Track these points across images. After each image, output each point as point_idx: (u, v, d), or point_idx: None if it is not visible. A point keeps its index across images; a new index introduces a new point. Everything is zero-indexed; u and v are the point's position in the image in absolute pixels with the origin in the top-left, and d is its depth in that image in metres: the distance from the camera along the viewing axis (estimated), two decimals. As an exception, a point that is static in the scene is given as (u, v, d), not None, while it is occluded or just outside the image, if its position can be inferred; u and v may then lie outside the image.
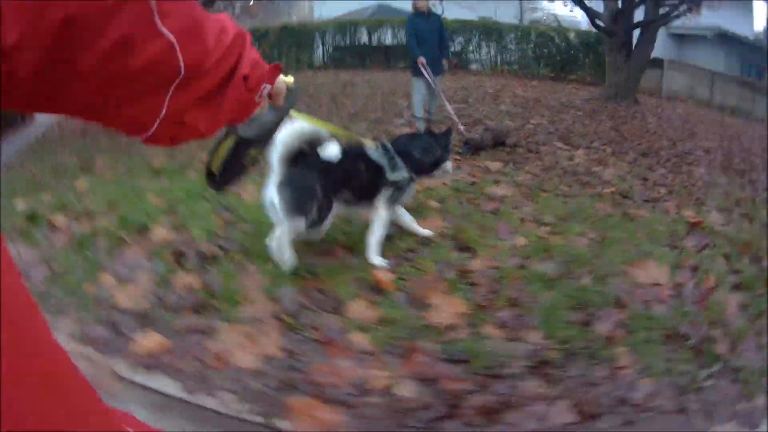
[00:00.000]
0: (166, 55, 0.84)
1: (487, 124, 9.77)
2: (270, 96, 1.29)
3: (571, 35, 21.42)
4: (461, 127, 8.60)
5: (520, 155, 8.33)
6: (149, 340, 3.28)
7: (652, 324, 3.60)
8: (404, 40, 22.71)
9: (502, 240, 4.79)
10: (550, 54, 21.96)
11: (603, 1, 15.46)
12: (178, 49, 0.85)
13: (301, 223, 3.93)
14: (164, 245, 4.45)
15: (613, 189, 6.68)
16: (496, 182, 6.66)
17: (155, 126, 0.94)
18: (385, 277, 4.00)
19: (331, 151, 4.06)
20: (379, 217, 4.37)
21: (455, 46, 23.03)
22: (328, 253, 4.35)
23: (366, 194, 4.34)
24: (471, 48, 23.35)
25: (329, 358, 3.17)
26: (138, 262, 4.20)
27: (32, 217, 5.21)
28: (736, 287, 4.30)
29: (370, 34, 24.77)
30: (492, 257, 4.42)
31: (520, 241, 4.78)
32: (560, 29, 22.35)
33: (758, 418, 2.91)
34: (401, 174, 4.36)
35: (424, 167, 4.63)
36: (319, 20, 27.43)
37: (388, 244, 4.43)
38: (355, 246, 4.42)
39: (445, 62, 10.15)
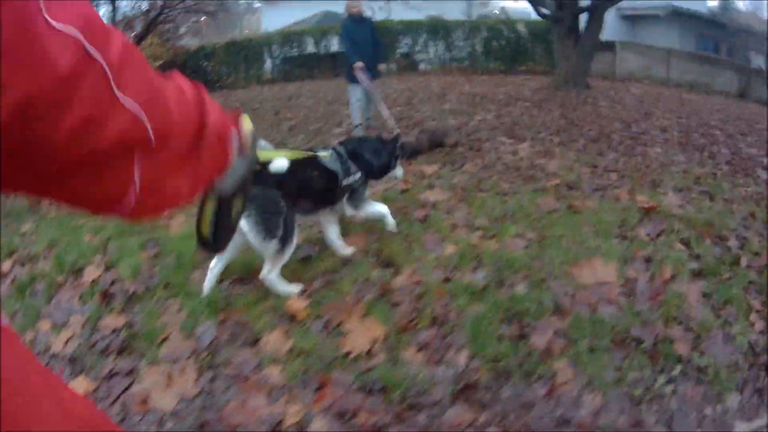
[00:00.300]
0: (134, 127, 0.78)
1: (426, 126, 9.29)
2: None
3: (520, 26, 21.32)
4: (396, 131, 8.11)
5: (459, 155, 7.88)
6: (77, 385, 3.19)
7: (598, 330, 3.32)
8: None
9: (428, 251, 4.45)
10: (500, 47, 21.81)
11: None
12: (145, 119, 0.79)
13: (276, 245, 3.86)
14: (94, 286, 4.37)
15: (557, 181, 6.27)
16: (430, 187, 6.24)
17: (131, 200, 0.87)
18: (298, 304, 3.78)
19: (279, 163, 3.92)
20: (334, 222, 4.54)
21: (402, 47, 22.85)
22: (246, 282, 4.15)
23: (324, 201, 4.35)
24: (418, 48, 23.24)
25: (244, 395, 3.01)
26: (71, 305, 4.15)
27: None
28: (697, 274, 4.03)
29: (316, 43, 24.75)
30: (416, 272, 4.11)
31: (449, 250, 4.43)
32: (509, 21, 22.26)
33: (730, 422, 2.71)
34: (354, 177, 4.39)
35: (373, 170, 4.65)
36: (265, 33, 27.46)
37: (304, 266, 4.31)
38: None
39: (380, 66, 10.09)
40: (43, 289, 4.43)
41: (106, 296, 4.15)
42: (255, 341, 3.47)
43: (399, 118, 10.82)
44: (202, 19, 26.60)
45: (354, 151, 4.50)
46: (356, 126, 9.96)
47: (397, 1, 22.54)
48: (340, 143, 4.68)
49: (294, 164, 3.98)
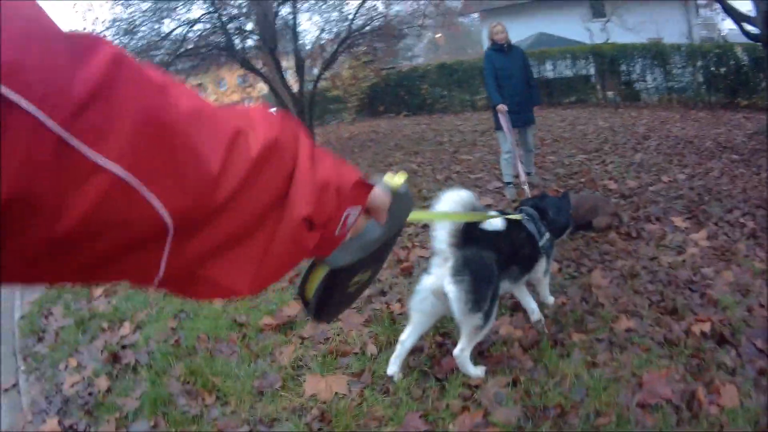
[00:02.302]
0: (134, 209, 0.55)
1: (574, 198, 6.90)
2: (367, 211, 0.91)
3: (738, 51, 17.53)
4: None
5: (596, 246, 6.04)
6: (49, 423, 3.85)
7: None
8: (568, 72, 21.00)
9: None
10: (722, 76, 18.16)
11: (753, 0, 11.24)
12: (152, 197, 0.55)
13: (480, 321, 3.53)
14: (109, 345, 4.94)
15: (708, 324, 4.23)
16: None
17: (157, 286, 0.65)
18: None
19: (496, 221, 3.70)
20: (543, 285, 4.45)
21: (624, 75, 20.11)
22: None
23: (527, 268, 4.11)
24: (635, 75, 20.27)
25: None
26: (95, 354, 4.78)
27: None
28: None
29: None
30: None
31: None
32: (726, 46, 18.66)
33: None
34: (546, 238, 4.16)
35: (558, 230, 4.43)
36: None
37: None
38: None
39: (534, 108, 8.38)
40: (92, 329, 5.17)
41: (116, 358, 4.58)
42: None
43: (566, 175, 9.01)
44: (438, 36, 25.79)
45: (541, 208, 4.27)
46: (506, 185, 8.32)
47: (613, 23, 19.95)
48: (523, 203, 4.57)
49: (508, 225, 3.74)
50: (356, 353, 4.20)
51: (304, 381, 3.84)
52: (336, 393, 3.69)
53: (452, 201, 3.43)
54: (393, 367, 3.77)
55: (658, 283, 5.01)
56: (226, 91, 29.87)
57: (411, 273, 5.65)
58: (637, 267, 5.32)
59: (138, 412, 3.78)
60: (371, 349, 4.23)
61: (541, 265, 4.23)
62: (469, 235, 3.53)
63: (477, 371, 3.69)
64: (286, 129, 0.70)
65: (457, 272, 3.46)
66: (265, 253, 0.70)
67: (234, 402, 3.79)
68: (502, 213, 4.04)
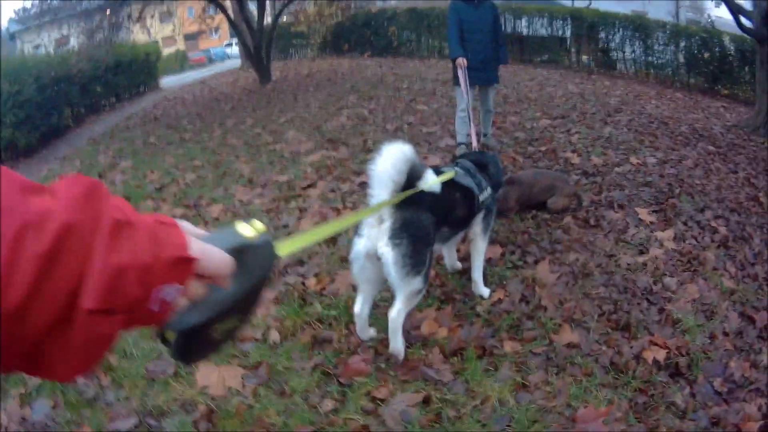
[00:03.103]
0: None
1: (529, 173, 6.14)
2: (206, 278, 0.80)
3: (726, 40, 16.89)
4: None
5: (549, 232, 5.25)
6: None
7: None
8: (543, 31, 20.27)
9: None
10: (704, 61, 17.46)
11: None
12: None
13: (419, 284, 3.35)
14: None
15: (666, 351, 3.65)
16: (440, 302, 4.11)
17: None
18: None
19: (433, 181, 3.36)
20: (479, 249, 4.10)
21: (599, 43, 19.42)
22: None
23: (460, 226, 3.92)
24: (612, 45, 19.51)
25: None
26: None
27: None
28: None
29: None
30: None
31: None
32: (713, 32, 17.87)
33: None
34: (486, 193, 3.93)
35: (498, 186, 4.26)
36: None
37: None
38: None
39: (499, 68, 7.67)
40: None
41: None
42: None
43: (527, 140, 8.29)
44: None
45: (479, 162, 4.10)
46: (458, 145, 7.65)
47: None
48: (457, 158, 4.40)
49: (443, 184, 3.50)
50: (257, 339, 3.81)
51: (197, 370, 3.45)
52: (229, 388, 3.33)
53: (392, 156, 3.13)
54: (364, 335, 3.65)
55: (613, 288, 4.31)
56: (195, 19, 29.38)
57: (336, 241, 4.96)
58: (591, 264, 4.60)
59: (40, 389, 3.52)
60: (274, 335, 3.80)
61: (479, 221, 3.99)
62: (411, 199, 3.17)
63: (400, 344, 3.46)
64: (85, 205, 0.62)
65: (395, 235, 3.24)
66: (69, 345, 0.62)
67: (128, 386, 3.48)
68: (437, 170, 3.71)
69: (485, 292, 4.11)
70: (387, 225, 3.25)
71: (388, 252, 3.23)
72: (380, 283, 3.56)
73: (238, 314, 0.91)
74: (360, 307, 3.54)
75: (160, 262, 0.68)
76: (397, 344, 3.43)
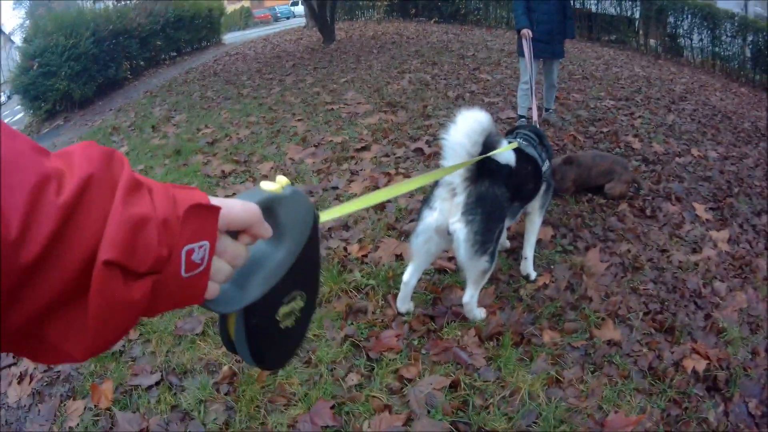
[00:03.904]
0: None
1: (588, 155, 5.69)
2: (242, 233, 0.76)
3: None
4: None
5: (602, 217, 4.98)
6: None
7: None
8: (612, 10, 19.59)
9: None
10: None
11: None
12: None
13: (486, 264, 3.13)
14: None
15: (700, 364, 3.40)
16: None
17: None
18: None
19: (508, 154, 3.09)
20: (534, 225, 3.89)
21: (668, 28, 18.72)
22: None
23: (524, 202, 3.64)
24: (680, 31, 18.69)
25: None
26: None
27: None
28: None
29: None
30: None
31: None
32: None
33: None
34: (547, 164, 3.74)
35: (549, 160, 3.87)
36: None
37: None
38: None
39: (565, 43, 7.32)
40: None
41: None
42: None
43: (589, 120, 7.92)
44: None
45: (539, 133, 3.88)
46: (519, 118, 7.35)
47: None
48: (515, 129, 4.07)
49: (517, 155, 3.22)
50: (290, 303, 3.54)
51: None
52: None
53: (469, 124, 2.88)
54: (403, 306, 3.49)
55: (662, 285, 4.05)
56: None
57: (384, 207, 4.77)
58: (642, 258, 4.34)
59: None
60: None
61: (539, 195, 3.77)
62: (483, 168, 3.02)
63: (482, 314, 3.43)
64: (104, 161, 0.60)
65: (469, 210, 3.02)
66: (86, 311, 0.57)
67: (155, 342, 3.42)
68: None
69: (533, 273, 3.90)
70: (461, 199, 3.05)
71: (460, 228, 3.04)
72: (437, 256, 3.48)
73: (300, 288, 0.85)
74: (409, 276, 3.38)
75: (179, 215, 0.63)
76: (477, 316, 3.38)
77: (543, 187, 3.74)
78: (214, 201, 0.69)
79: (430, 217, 3.13)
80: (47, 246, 0.53)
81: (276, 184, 0.80)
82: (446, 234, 3.11)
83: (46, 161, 0.56)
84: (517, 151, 3.32)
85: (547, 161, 3.71)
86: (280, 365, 1.03)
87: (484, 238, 3.04)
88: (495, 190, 3.09)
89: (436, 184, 3.18)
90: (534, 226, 3.87)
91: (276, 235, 0.79)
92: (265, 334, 0.83)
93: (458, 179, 3.03)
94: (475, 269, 3.13)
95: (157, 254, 0.60)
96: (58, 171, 0.56)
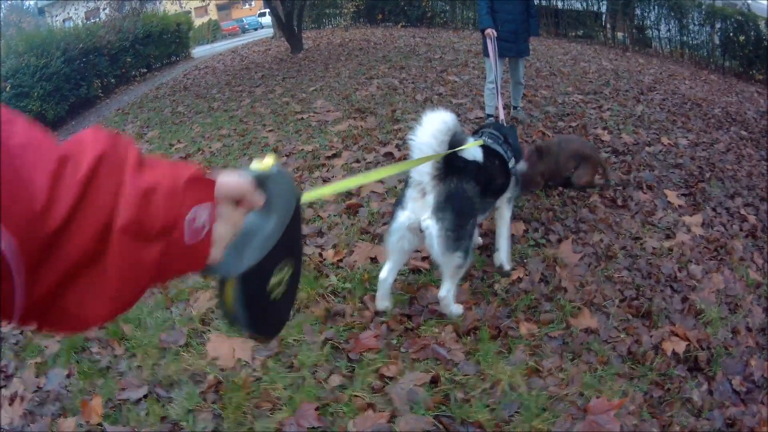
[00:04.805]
0: None
1: (556, 141, 5.71)
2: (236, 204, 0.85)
3: (762, 24, 16.07)
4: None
5: (573, 209, 5.01)
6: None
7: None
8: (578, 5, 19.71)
9: None
10: (740, 45, 16.69)
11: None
12: None
13: (461, 259, 3.16)
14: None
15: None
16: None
17: (18, 316, 0.62)
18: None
19: (475, 150, 3.22)
20: (505, 218, 3.89)
21: (635, 20, 18.85)
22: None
23: (494, 197, 3.69)
24: (648, 23, 18.91)
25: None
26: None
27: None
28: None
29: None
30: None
31: None
32: (749, 15, 17.03)
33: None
34: (512, 162, 3.78)
35: (518, 156, 3.98)
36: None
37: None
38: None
39: (530, 39, 7.37)
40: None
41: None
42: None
43: (557, 115, 8.03)
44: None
45: (503, 132, 3.90)
46: (487, 117, 7.41)
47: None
48: (480, 128, 4.10)
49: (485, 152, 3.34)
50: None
51: (209, 340, 3.42)
52: (238, 360, 3.25)
53: (435, 124, 2.94)
54: (381, 304, 3.51)
55: (636, 272, 4.09)
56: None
57: (357, 212, 4.78)
58: (615, 247, 4.38)
59: (56, 358, 3.55)
60: None
61: (508, 189, 3.80)
62: (450, 166, 3.08)
63: (459, 309, 3.43)
64: (112, 142, 0.68)
65: (439, 208, 3.08)
66: (104, 274, 0.65)
67: (140, 356, 3.45)
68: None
69: (507, 264, 3.94)
70: (431, 198, 3.10)
71: (432, 225, 3.09)
72: (411, 253, 3.52)
73: (288, 256, 0.94)
74: (386, 274, 3.42)
75: (181, 184, 0.72)
76: (453, 312, 3.38)
77: (511, 182, 3.77)
78: (210, 174, 0.79)
79: (403, 216, 3.18)
80: (68, 215, 0.61)
81: (264, 164, 0.90)
82: (419, 231, 3.17)
83: (62, 145, 0.64)
84: (483, 147, 3.39)
85: (512, 158, 3.76)
86: (274, 334, 1.11)
87: (456, 234, 3.08)
88: (464, 185, 3.13)
89: (406, 184, 3.25)
90: (504, 220, 3.90)
91: (266, 207, 0.88)
92: (260, 304, 0.91)
93: (427, 178, 3.08)
94: (449, 264, 3.16)
95: (164, 220, 0.69)
96: (74, 151, 0.64)
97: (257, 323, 0.93)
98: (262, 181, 0.88)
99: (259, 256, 0.87)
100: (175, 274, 0.76)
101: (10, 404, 3.31)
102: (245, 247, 0.86)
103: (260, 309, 0.92)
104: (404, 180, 3.46)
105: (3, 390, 3.45)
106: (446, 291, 3.28)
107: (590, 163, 5.29)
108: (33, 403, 3.28)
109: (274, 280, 0.93)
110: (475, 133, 3.98)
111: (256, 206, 0.87)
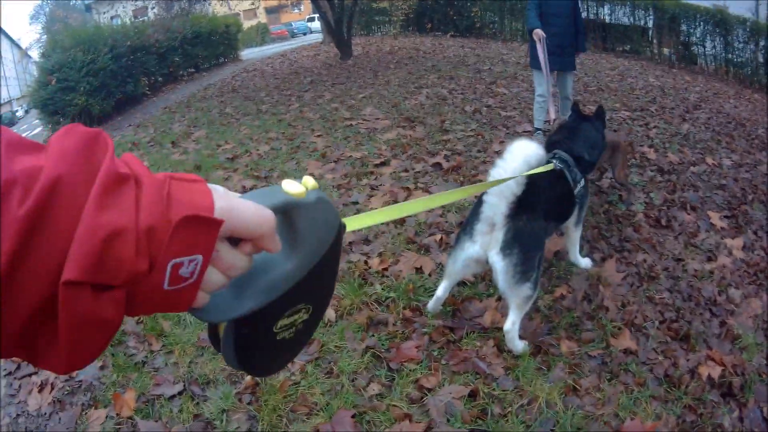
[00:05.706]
0: None
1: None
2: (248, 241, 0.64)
3: None
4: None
5: (617, 228, 4.91)
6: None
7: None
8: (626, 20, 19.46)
9: None
10: None
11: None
12: None
13: (529, 291, 3.11)
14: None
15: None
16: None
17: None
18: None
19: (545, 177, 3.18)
20: (573, 240, 4.04)
21: (680, 36, 18.57)
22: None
23: (562, 221, 3.74)
24: (693, 39, 18.63)
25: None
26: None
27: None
28: None
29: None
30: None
31: None
32: None
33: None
34: (581, 186, 3.68)
35: (592, 168, 4.00)
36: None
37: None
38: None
39: (577, 54, 7.28)
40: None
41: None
42: None
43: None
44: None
45: (576, 154, 3.74)
46: (535, 131, 7.35)
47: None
48: (552, 144, 3.93)
49: (549, 178, 3.31)
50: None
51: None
52: None
53: (521, 155, 2.91)
54: (431, 306, 3.56)
55: (677, 294, 4.08)
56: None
57: (404, 222, 4.82)
58: (657, 267, 4.36)
59: None
60: (330, 313, 3.67)
61: (574, 214, 3.79)
62: (522, 203, 3.05)
63: (523, 347, 3.29)
64: (80, 156, 0.51)
65: (507, 245, 3.06)
66: (57, 329, 0.50)
67: (177, 353, 3.48)
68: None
69: (582, 263, 4.16)
70: (500, 235, 3.08)
71: (498, 261, 3.08)
72: (465, 274, 3.53)
73: (306, 302, 0.74)
74: (443, 291, 3.46)
75: (168, 223, 0.53)
76: (518, 348, 3.27)
77: (577, 207, 3.77)
78: (221, 203, 0.58)
79: (470, 249, 3.18)
80: (8, 267, 0.46)
81: (300, 187, 0.68)
82: (485, 263, 3.19)
83: (19, 161, 0.49)
84: (553, 173, 3.41)
85: (582, 182, 3.71)
86: (270, 373, 0.88)
87: (523, 268, 3.07)
88: (533, 223, 3.14)
89: (475, 217, 3.19)
90: (572, 241, 4.04)
91: (290, 243, 0.69)
92: (257, 344, 0.72)
93: (500, 216, 3.07)
94: (517, 296, 3.13)
95: (132, 268, 0.52)
96: (30, 173, 0.49)
97: (249, 364, 0.74)
98: (291, 212, 0.67)
99: (262, 303, 0.67)
100: (149, 313, 0.59)
101: (39, 391, 3.39)
102: (249, 287, 0.67)
103: (258, 349, 0.73)
104: (473, 202, 3.46)
105: (33, 377, 3.54)
106: (512, 324, 3.20)
107: (622, 152, 5.31)
108: (63, 391, 3.35)
109: (282, 322, 0.73)
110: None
111: (271, 252, 0.66)
